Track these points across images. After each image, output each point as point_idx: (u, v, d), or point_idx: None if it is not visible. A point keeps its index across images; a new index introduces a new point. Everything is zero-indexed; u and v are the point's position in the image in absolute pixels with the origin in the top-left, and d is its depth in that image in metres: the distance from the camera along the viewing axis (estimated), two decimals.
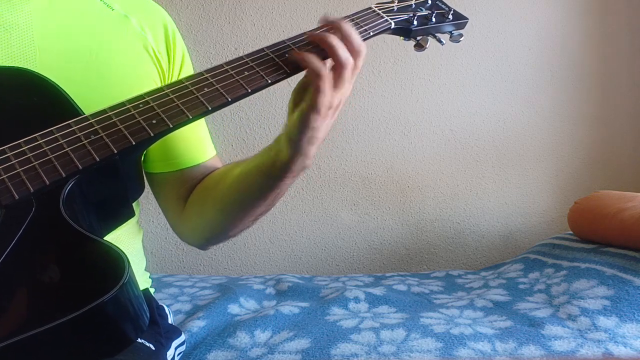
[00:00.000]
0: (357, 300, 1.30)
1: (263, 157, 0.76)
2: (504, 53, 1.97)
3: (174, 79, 0.87)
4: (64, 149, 0.59)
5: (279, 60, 0.70)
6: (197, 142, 0.90)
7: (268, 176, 0.75)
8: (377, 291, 1.37)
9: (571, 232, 1.62)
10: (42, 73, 0.68)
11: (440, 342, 1.06)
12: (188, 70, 0.91)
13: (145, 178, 0.92)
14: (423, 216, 1.96)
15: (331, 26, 0.71)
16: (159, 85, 0.85)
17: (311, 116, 0.67)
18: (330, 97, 0.67)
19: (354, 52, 0.69)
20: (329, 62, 0.70)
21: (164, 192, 0.91)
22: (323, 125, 0.69)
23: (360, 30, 0.76)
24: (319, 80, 0.66)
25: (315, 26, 0.76)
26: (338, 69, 0.68)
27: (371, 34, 0.78)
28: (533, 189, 2.01)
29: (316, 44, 0.71)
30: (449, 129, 1.96)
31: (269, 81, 0.68)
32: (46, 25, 0.76)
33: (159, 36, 0.87)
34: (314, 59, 0.67)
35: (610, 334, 1.07)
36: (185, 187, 0.89)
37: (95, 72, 0.78)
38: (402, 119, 1.94)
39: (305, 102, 0.68)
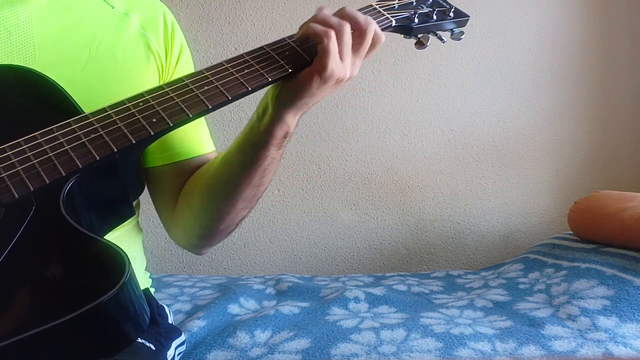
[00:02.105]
0: (357, 300, 1.30)
1: (245, 129, 0.75)
2: (504, 53, 1.97)
3: (172, 71, 0.87)
4: (64, 147, 0.58)
5: (279, 58, 0.70)
6: (194, 135, 0.88)
7: (251, 146, 0.74)
8: (377, 291, 1.37)
9: (571, 232, 1.61)
10: (41, 71, 0.68)
11: (440, 342, 1.05)
12: (186, 62, 0.90)
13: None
14: (423, 216, 1.96)
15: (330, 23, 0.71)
16: (159, 82, 0.85)
17: (314, 78, 0.68)
18: (337, 63, 0.67)
19: (360, 29, 0.70)
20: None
21: (159, 188, 0.88)
22: (318, 93, 0.69)
23: None
24: (327, 40, 0.67)
25: None
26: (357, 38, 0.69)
27: None
28: (533, 189, 2.01)
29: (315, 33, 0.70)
30: (449, 129, 1.96)
31: (270, 79, 0.68)
32: (46, 25, 0.76)
33: (158, 31, 0.87)
34: (317, 25, 0.68)
35: (610, 334, 1.07)
36: (180, 181, 0.86)
37: (95, 71, 0.78)
38: (402, 119, 1.94)
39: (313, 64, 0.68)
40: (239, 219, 0.83)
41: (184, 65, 0.90)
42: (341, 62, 0.68)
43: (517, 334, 1.08)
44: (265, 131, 0.72)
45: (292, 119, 0.72)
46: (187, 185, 0.86)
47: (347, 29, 0.68)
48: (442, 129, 1.96)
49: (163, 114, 0.63)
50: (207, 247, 0.90)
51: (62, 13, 0.79)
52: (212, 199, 0.80)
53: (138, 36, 0.84)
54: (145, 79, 0.83)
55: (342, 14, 0.70)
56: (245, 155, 0.75)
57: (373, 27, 0.71)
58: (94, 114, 0.62)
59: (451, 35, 0.88)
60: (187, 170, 0.86)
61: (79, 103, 0.65)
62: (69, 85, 0.67)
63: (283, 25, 1.88)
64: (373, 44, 0.72)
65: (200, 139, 0.89)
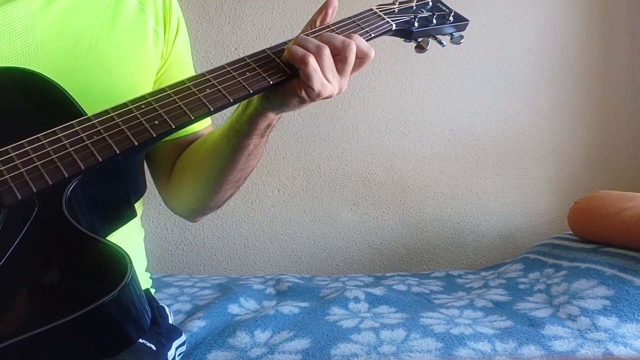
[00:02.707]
0: (357, 300, 1.30)
1: (230, 117, 0.79)
2: (504, 53, 1.98)
3: (170, 47, 0.89)
4: (67, 149, 0.59)
5: (280, 62, 0.70)
6: None
7: (235, 133, 0.77)
8: (377, 291, 1.37)
9: (571, 232, 1.62)
10: (45, 66, 0.69)
11: (440, 342, 1.06)
12: (184, 37, 0.92)
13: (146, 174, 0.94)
14: (423, 216, 1.96)
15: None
16: (159, 66, 0.87)
17: (302, 95, 0.69)
18: (323, 84, 0.69)
19: (340, 53, 0.70)
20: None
21: (159, 163, 0.93)
22: (304, 106, 0.72)
23: (361, 32, 0.76)
24: (306, 65, 0.67)
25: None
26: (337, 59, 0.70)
27: (372, 35, 0.78)
28: (533, 189, 2.01)
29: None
30: (449, 129, 1.96)
31: (271, 82, 0.68)
32: (47, 18, 0.77)
33: (157, 4, 0.88)
34: (296, 49, 0.69)
35: (610, 334, 1.07)
36: (176, 155, 0.92)
37: (97, 61, 0.79)
38: (402, 119, 1.94)
39: (300, 82, 0.69)
40: (227, 197, 0.89)
41: (181, 44, 0.91)
42: (328, 83, 0.69)
43: (517, 334, 1.08)
44: (248, 121, 0.75)
45: (274, 115, 0.75)
46: (180, 161, 0.91)
47: (326, 52, 0.69)
48: (442, 129, 1.96)
49: (165, 117, 0.63)
50: (200, 217, 0.95)
51: (62, 5, 0.79)
52: (202, 181, 0.86)
53: (137, 13, 0.85)
54: (147, 61, 0.85)
55: (320, 38, 0.71)
56: (230, 142, 0.79)
57: (352, 47, 0.70)
58: (96, 115, 0.62)
59: (450, 39, 0.88)
60: (183, 145, 0.91)
61: (82, 93, 0.66)
62: (72, 77, 0.68)
63: (283, 25, 1.88)
64: (361, 60, 0.72)
65: None
